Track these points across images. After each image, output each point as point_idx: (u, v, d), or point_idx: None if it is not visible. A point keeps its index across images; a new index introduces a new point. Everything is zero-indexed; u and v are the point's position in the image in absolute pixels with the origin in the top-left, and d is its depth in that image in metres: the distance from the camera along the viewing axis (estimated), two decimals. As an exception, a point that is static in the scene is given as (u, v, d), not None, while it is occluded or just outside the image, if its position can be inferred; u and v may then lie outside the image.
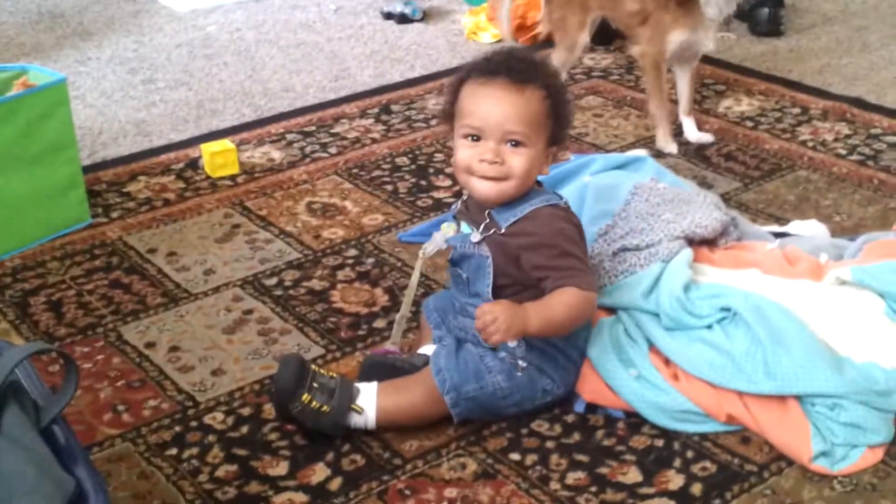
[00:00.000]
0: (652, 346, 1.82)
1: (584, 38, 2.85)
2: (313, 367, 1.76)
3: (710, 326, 1.81)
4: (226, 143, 2.67)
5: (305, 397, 1.72)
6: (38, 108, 2.29)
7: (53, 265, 2.29)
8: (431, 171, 2.67)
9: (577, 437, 1.77)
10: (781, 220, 2.36)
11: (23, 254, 2.32)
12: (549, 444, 1.75)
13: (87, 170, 2.53)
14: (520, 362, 1.74)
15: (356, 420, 1.76)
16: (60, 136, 2.35)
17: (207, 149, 2.66)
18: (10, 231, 2.30)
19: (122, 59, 3.40)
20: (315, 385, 1.73)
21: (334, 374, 1.78)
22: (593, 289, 1.73)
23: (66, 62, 3.35)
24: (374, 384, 1.77)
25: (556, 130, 1.75)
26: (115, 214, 2.48)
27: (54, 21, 3.73)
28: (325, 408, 1.73)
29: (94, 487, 1.11)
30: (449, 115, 1.81)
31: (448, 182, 2.60)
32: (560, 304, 1.69)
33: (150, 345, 2.02)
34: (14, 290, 2.20)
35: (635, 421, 1.79)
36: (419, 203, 2.51)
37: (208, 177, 2.65)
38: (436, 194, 2.55)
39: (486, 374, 1.76)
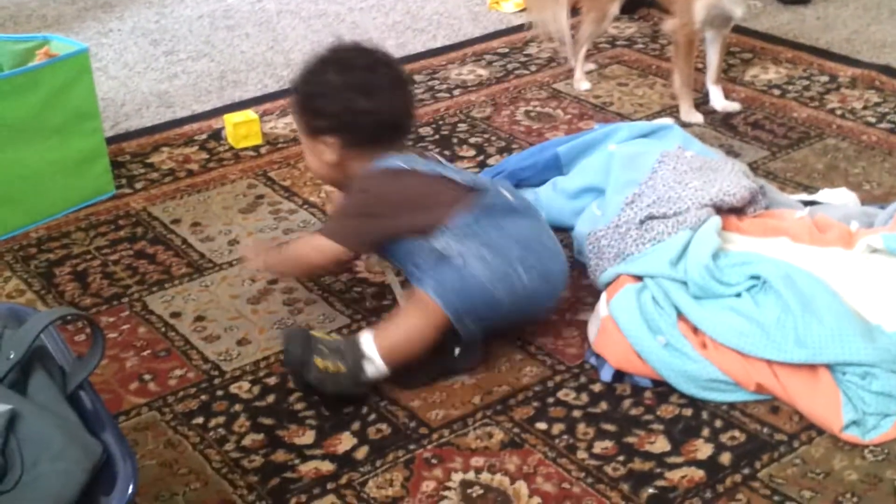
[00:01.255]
0: (680, 315, 1.80)
1: (615, 9, 2.81)
2: (313, 333, 1.78)
3: (738, 294, 1.79)
4: (248, 114, 2.66)
5: (318, 362, 1.73)
6: (60, 77, 2.29)
7: (78, 236, 2.29)
8: (455, 141, 2.65)
9: (604, 406, 1.76)
10: (810, 189, 2.33)
11: (47, 224, 2.32)
12: (576, 413, 1.74)
13: (110, 141, 2.53)
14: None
15: (370, 370, 1.76)
16: (83, 107, 2.34)
17: (230, 119, 2.65)
18: (34, 202, 2.31)
19: (144, 30, 3.39)
20: (322, 348, 1.74)
21: (335, 336, 1.80)
22: (333, 236, 1.84)
23: (88, 34, 3.34)
24: (370, 330, 1.79)
25: (312, 122, 1.90)
26: (138, 185, 2.48)
27: (76, -7, 3.73)
28: (340, 367, 1.74)
29: (121, 453, 1.11)
30: None
31: (472, 152, 2.59)
32: (296, 244, 1.94)
33: (175, 314, 2.02)
34: (39, 260, 2.21)
35: (663, 390, 1.77)
36: (443, 173, 2.50)
37: (231, 147, 2.64)
38: (460, 164, 2.53)
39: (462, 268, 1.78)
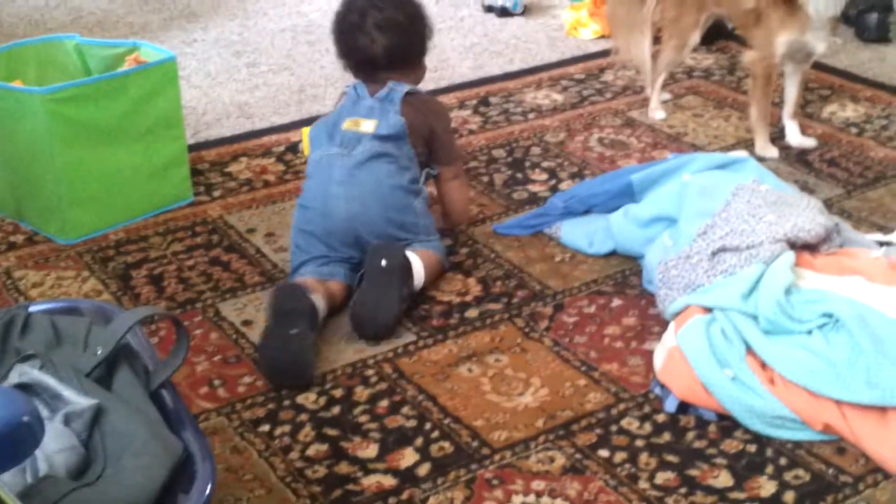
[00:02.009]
0: (749, 349, 1.79)
1: (696, 38, 2.81)
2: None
3: (810, 332, 1.78)
4: (326, 128, 2.70)
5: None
6: (148, 84, 2.35)
7: (156, 240, 2.34)
8: (528, 164, 2.66)
9: (667, 437, 1.75)
10: (886, 229, 2.31)
11: (126, 228, 2.38)
12: (639, 443, 1.74)
13: (190, 149, 2.58)
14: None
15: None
16: (168, 114, 2.40)
17: (307, 133, 2.68)
18: (115, 205, 2.36)
19: (227, 41, 3.46)
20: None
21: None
22: (460, 159, 2.37)
23: (173, 43, 3.42)
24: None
25: (425, 44, 2.27)
26: (216, 193, 2.53)
27: (162, 2, 3.81)
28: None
29: (200, 451, 1.13)
30: None
31: (544, 176, 2.60)
32: (452, 195, 2.33)
33: (246, 322, 2.06)
34: (117, 262, 2.26)
35: (728, 424, 1.77)
36: (514, 196, 2.51)
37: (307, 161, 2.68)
38: (531, 188, 2.55)
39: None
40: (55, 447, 1.03)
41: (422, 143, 2.19)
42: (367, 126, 2.14)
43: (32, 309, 1.30)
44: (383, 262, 2.00)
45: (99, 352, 1.18)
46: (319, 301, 1.97)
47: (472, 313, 2.08)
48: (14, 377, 1.13)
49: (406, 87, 2.18)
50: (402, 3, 2.22)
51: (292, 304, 1.92)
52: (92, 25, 3.58)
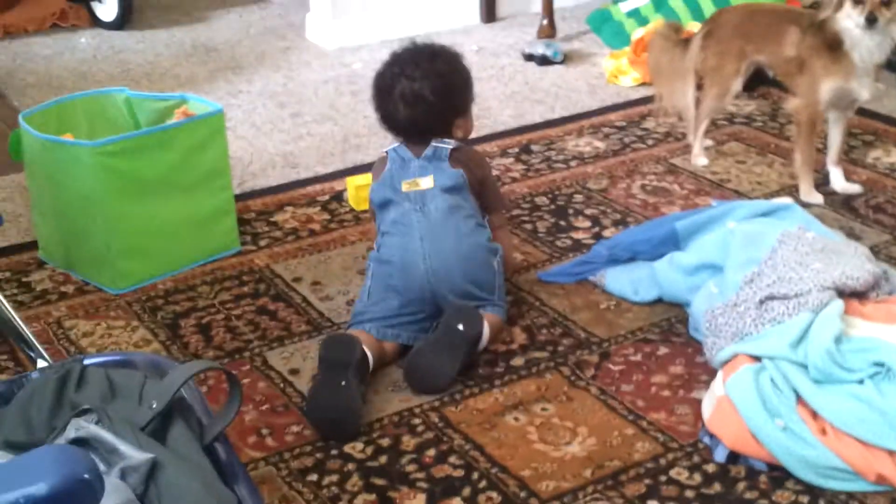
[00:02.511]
0: (799, 398, 1.78)
1: (738, 85, 2.81)
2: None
3: (861, 381, 1.76)
4: (370, 177, 2.72)
5: None
6: (196, 136, 2.38)
7: (204, 289, 2.37)
8: (571, 211, 2.67)
9: (717, 487, 1.74)
10: (935, 276, 2.28)
11: (175, 277, 2.41)
12: (689, 494, 1.73)
13: (237, 199, 2.61)
14: None
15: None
16: (216, 165, 2.44)
17: (352, 182, 2.72)
18: (164, 255, 2.40)
19: (271, 92, 3.51)
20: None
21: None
22: (506, 205, 2.50)
23: (219, 94, 3.47)
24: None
25: (468, 99, 2.28)
26: (262, 243, 2.56)
27: (208, 55, 3.88)
28: None
29: (253, 505, 1.14)
30: None
31: (587, 224, 2.60)
32: (505, 241, 2.34)
33: (294, 371, 2.07)
34: (166, 311, 2.29)
35: (779, 474, 1.75)
36: (558, 243, 2.52)
37: (352, 209, 2.71)
38: (575, 235, 2.55)
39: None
40: (112, 502, 1.04)
41: (475, 196, 2.20)
42: (427, 182, 2.14)
43: (87, 362, 1.32)
44: (461, 327, 2.00)
45: (154, 405, 1.19)
46: (370, 354, 1.98)
47: (517, 361, 2.08)
48: (71, 431, 1.15)
49: (451, 145, 2.19)
50: (434, 70, 2.17)
51: (342, 356, 1.92)
52: (139, 77, 3.65)
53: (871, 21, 2.46)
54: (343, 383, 1.88)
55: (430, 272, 2.08)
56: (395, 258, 2.11)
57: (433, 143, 2.18)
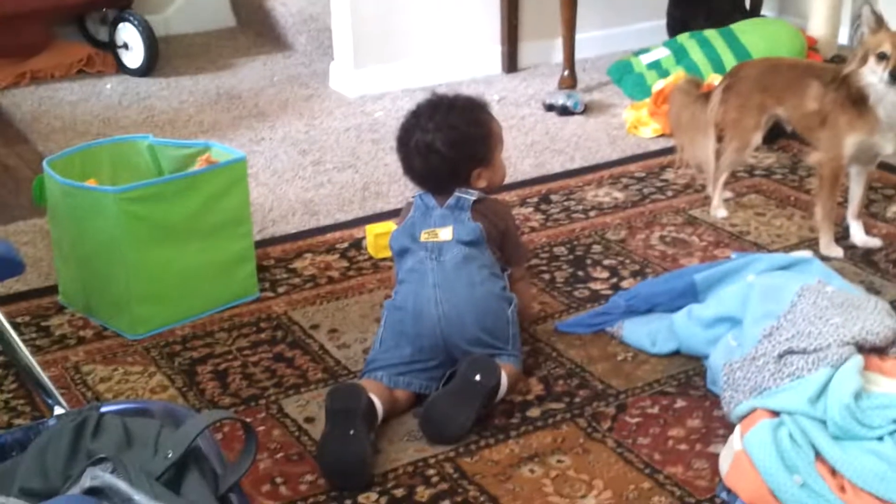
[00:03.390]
0: (818, 455, 1.76)
1: (758, 138, 2.82)
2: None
3: (881, 438, 1.75)
4: (389, 225, 2.73)
5: None
6: (218, 183, 2.41)
7: (221, 336, 2.37)
8: (589, 262, 2.67)
9: (735, 543, 1.72)
10: (956, 332, 2.26)
11: (193, 323, 2.42)
12: (706, 549, 1.71)
13: (256, 245, 2.63)
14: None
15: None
16: (237, 212, 2.45)
17: (371, 230, 2.73)
18: (182, 301, 2.41)
19: (293, 140, 3.54)
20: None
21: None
22: (527, 257, 2.51)
23: (241, 141, 3.50)
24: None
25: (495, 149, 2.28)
26: (281, 289, 2.57)
27: (231, 102, 3.92)
28: None
29: (265, 557, 1.13)
30: None
31: (606, 274, 2.60)
32: (525, 295, 2.37)
33: (309, 419, 2.07)
34: (183, 357, 2.29)
35: (797, 532, 1.73)
36: (576, 294, 2.52)
37: (371, 257, 2.72)
38: (593, 285, 2.55)
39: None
40: (126, 551, 1.04)
41: (496, 248, 2.21)
42: (445, 234, 2.15)
43: (104, 410, 1.32)
44: (477, 377, 1.99)
45: (169, 455, 1.19)
46: (378, 402, 1.98)
47: (533, 412, 2.08)
48: (86, 480, 1.15)
49: (474, 195, 2.19)
50: (448, 123, 2.18)
51: (348, 405, 1.92)
52: (163, 123, 3.69)
53: (895, 77, 2.47)
54: (352, 432, 1.87)
55: (443, 319, 2.08)
56: (408, 304, 2.12)
57: (457, 193, 2.19)
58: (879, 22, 2.53)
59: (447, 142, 2.17)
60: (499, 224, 2.22)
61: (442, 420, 1.97)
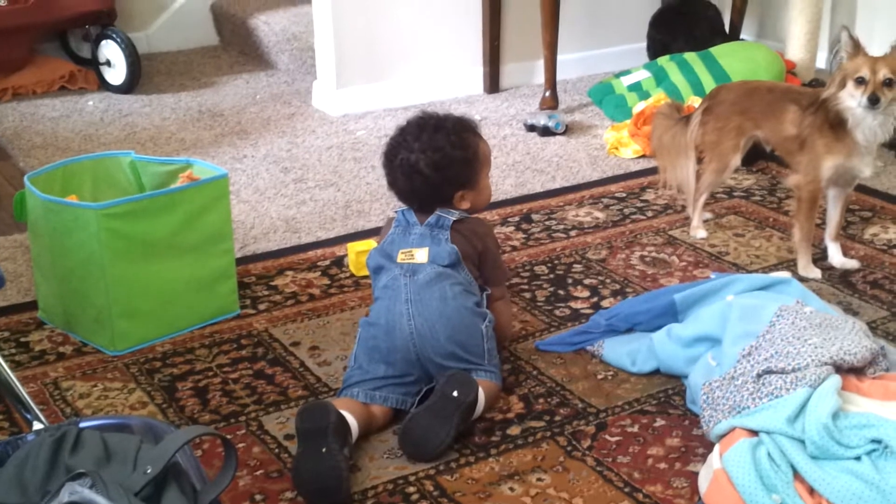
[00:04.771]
0: (796, 474, 1.77)
1: (737, 161, 2.84)
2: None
3: (858, 458, 1.76)
4: (370, 243, 2.74)
5: None
6: (200, 200, 2.40)
7: (202, 352, 2.37)
8: (570, 281, 2.68)
9: (713, 562, 1.72)
10: (932, 353, 2.28)
11: (173, 339, 2.41)
12: (685, 568, 1.71)
13: (237, 262, 2.62)
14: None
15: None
16: (218, 229, 2.45)
17: (353, 248, 2.74)
18: (163, 317, 2.40)
19: (275, 158, 3.55)
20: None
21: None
22: (507, 278, 2.49)
23: (223, 158, 3.51)
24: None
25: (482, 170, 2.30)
26: (262, 307, 2.57)
27: (214, 119, 3.93)
28: None
29: (244, 573, 1.13)
30: None
31: (586, 293, 2.61)
32: (503, 314, 2.34)
33: (289, 437, 2.06)
34: (163, 374, 2.29)
35: (775, 550, 1.73)
36: (557, 312, 2.53)
37: (352, 275, 2.72)
38: (573, 304, 2.56)
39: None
40: (104, 566, 1.03)
41: (475, 268, 2.22)
42: (421, 256, 2.16)
43: (83, 425, 1.32)
44: (455, 393, 1.99)
45: (149, 470, 1.19)
46: (351, 418, 1.97)
47: (513, 430, 2.08)
48: (65, 495, 1.15)
49: (455, 215, 2.20)
50: (433, 144, 2.18)
51: (318, 423, 1.90)
52: (145, 140, 3.69)
53: (873, 101, 2.49)
54: (324, 450, 1.87)
55: (415, 333, 2.09)
56: (381, 320, 2.12)
57: (438, 212, 2.20)
58: (857, 47, 2.56)
59: (431, 164, 2.18)
60: (477, 244, 2.22)
61: (421, 437, 1.97)
